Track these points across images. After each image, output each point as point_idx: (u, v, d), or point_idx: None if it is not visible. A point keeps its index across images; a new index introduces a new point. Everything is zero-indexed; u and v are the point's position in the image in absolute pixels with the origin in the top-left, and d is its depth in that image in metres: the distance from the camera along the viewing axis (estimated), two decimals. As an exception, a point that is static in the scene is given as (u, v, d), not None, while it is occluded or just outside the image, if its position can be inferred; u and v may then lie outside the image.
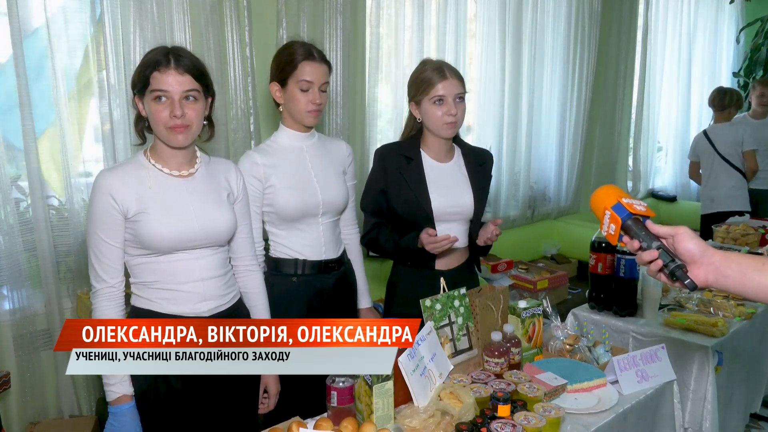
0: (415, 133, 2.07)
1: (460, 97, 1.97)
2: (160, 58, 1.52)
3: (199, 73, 1.57)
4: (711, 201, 4.21)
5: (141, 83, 1.54)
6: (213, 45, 2.69)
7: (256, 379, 1.80)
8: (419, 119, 2.02)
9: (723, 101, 4.13)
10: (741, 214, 3.74)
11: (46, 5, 2.33)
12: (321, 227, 2.03)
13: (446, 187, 2.03)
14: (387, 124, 3.62)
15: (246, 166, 1.92)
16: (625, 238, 1.21)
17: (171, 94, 1.52)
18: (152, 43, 2.50)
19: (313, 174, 2.01)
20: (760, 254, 2.87)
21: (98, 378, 2.60)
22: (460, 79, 1.98)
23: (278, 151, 2.00)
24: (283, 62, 1.94)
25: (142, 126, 1.62)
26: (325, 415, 1.48)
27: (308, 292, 2.02)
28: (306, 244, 2.01)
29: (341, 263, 2.10)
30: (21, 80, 2.28)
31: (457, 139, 2.12)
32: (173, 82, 1.52)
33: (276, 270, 1.99)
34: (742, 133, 4.11)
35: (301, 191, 1.97)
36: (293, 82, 1.92)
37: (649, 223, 1.20)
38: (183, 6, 2.59)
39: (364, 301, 2.25)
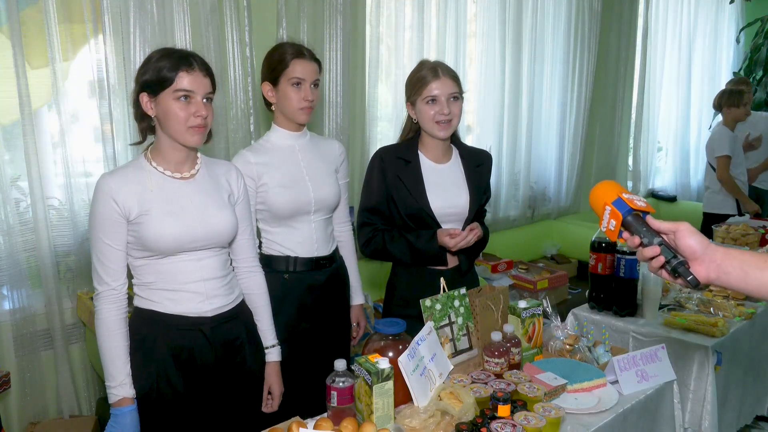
0: (413, 135, 2.07)
1: (455, 97, 1.96)
2: (185, 59, 1.54)
3: (214, 78, 1.61)
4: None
5: (160, 82, 1.53)
6: (213, 45, 2.70)
7: (260, 381, 1.80)
8: (415, 120, 2.02)
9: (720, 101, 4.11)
10: (725, 217, 3.71)
11: (46, 5, 2.33)
12: (313, 225, 2.04)
13: (443, 189, 2.03)
14: (387, 124, 3.61)
15: (239, 165, 1.92)
16: (626, 234, 1.19)
17: (196, 95, 1.55)
18: (152, 43, 2.50)
19: (305, 172, 2.03)
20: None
21: (98, 378, 2.62)
22: (455, 79, 1.98)
23: (271, 150, 2.02)
24: (275, 61, 1.96)
25: (147, 125, 1.61)
26: (325, 415, 1.48)
27: (300, 288, 2.03)
28: (298, 242, 2.03)
29: (333, 260, 2.12)
30: (21, 80, 2.28)
31: (455, 141, 2.12)
32: (199, 83, 1.55)
33: (268, 267, 1.99)
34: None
35: (293, 189, 1.99)
36: (285, 80, 1.95)
37: (649, 219, 1.18)
38: (183, 6, 2.59)
39: (356, 298, 2.26)
